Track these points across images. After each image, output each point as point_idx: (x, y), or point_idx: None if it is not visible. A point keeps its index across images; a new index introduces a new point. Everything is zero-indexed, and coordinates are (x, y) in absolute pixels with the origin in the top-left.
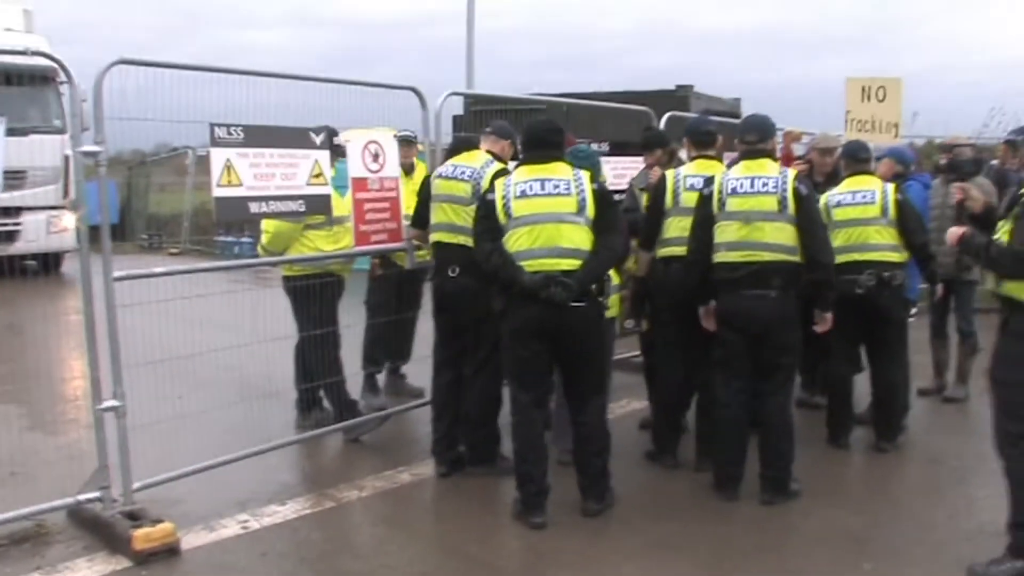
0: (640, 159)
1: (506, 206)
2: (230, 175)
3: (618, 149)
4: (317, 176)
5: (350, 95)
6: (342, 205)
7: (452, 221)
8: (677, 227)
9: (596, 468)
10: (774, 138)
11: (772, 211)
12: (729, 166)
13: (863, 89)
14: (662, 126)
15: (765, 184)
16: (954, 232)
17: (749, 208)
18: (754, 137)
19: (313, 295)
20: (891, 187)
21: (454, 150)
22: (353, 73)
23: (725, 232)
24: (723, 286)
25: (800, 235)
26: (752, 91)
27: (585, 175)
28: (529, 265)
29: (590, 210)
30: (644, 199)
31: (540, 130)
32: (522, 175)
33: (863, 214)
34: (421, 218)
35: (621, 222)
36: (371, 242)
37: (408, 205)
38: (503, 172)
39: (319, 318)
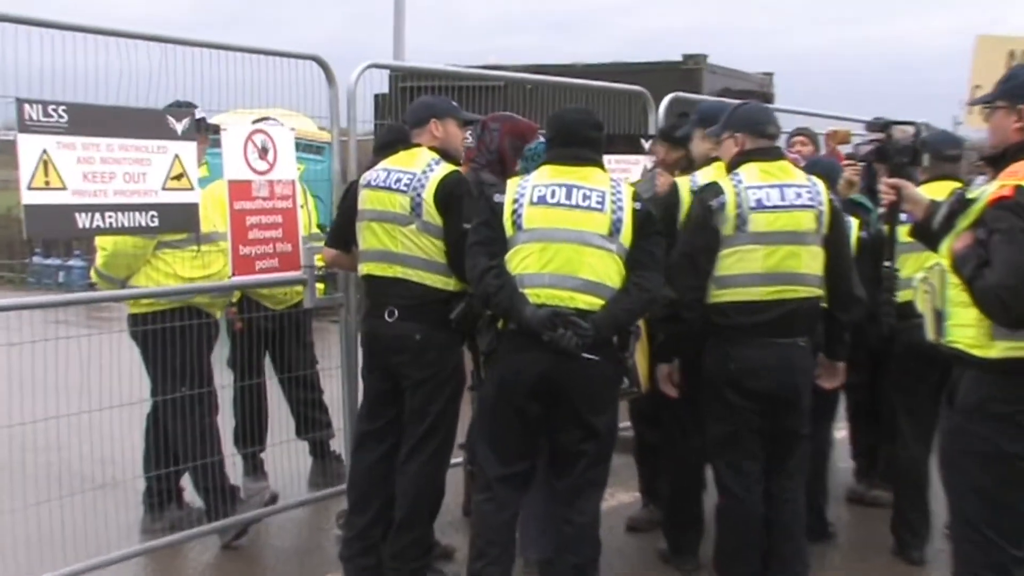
0: (632, 159)
1: (516, 213)
2: (47, 174)
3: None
4: (178, 177)
5: (230, 65)
6: (215, 217)
7: (387, 247)
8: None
9: None
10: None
11: (809, 231)
12: (731, 169)
13: (1010, 54)
14: (661, 113)
15: (799, 195)
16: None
17: (782, 227)
18: (774, 129)
19: (174, 341)
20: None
21: (385, 147)
22: (244, 37)
23: (746, 261)
24: (737, 335)
25: (831, 262)
26: (791, 63)
27: (627, 189)
28: (535, 295)
29: (626, 235)
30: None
31: (574, 121)
32: (544, 176)
33: None
34: (340, 238)
35: (662, 257)
36: (255, 270)
37: (305, 222)
38: (455, 176)
39: (183, 373)
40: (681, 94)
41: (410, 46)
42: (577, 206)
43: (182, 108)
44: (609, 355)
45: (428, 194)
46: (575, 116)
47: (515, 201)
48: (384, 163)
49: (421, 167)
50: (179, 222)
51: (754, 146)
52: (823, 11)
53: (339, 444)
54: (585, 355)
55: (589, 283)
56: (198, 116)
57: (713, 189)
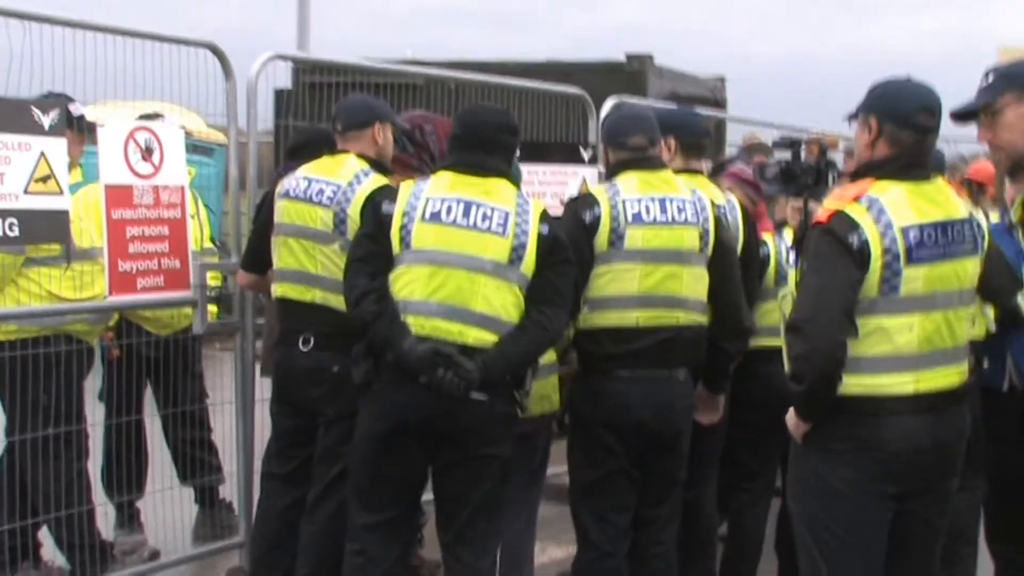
0: (570, 169)
1: (405, 229)
2: None
3: (535, 154)
4: (43, 180)
5: (110, 50)
6: (92, 229)
7: (304, 268)
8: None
9: None
10: (702, 146)
11: (693, 250)
12: (608, 178)
13: None
14: (601, 119)
15: (682, 209)
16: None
17: (662, 245)
18: (644, 140)
19: (40, 372)
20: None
21: (298, 151)
22: (129, 20)
23: (620, 281)
24: (609, 366)
25: (716, 286)
26: (749, 67)
27: (535, 208)
28: (419, 325)
29: (528, 264)
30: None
31: (486, 122)
32: (442, 187)
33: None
34: (257, 259)
35: (568, 291)
36: (137, 289)
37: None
38: (385, 190)
39: (47, 411)
40: (624, 98)
41: (329, 39)
42: (475, 227)
43: (52, 99)
44: (501, 393)
45: (354, 210)
46: (488, 116)
47: (405, 214)
48: (304, 170)
49: (348, 178)
50: (44, 233)
51: (616, 159)
52: (799, 16)
53: (230, 491)
54: (473, 395)
55: (482, 316)
56: (74, 111)
57: (587, 200)
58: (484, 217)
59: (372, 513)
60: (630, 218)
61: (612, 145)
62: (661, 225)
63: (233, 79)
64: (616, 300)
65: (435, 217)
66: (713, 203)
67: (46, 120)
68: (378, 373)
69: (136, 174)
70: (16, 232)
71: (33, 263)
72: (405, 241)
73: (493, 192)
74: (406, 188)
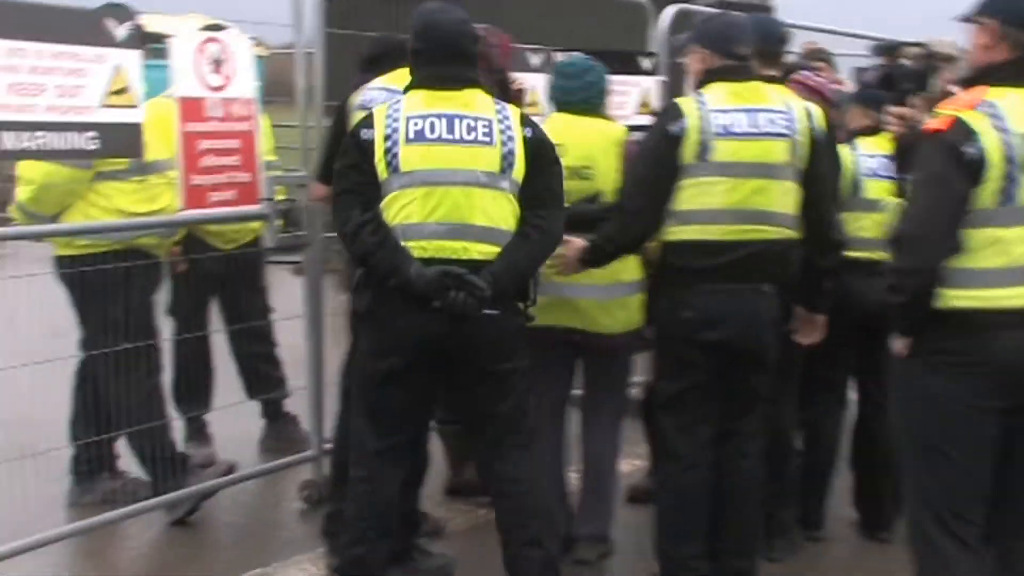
0: (631, 80)
1: (391, 152)
2: None
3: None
4: (119, 92)
5: None
6: (155, 143)
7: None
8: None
9: (533, 562)
10: (781, 54)
11: (783, 163)
12: (696, 88)
13: None
14: (665, 27)
15: (772, 121)
16: None
17: (750, 158)
18: (747, 49)
19: (111, 287)
20: None
21: (377, 61)
22: None
23: (707, 194)
24: (687, 278)
25: (808, 200)
26: None
27: (515, 113)
28: (421, 248)
29: (519, 169)
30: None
31: (450, 31)
32: (417, 105)
33: None
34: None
35: (563, 191)
36: (209, 203)
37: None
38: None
39: (122, 324)
40: (686, 6)
41: None
42: (462, 140)
43: (121, 9)
44: (511, 306)
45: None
46: (450, 23)
47: (387, 138)
48: (382, 80)
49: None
50: (122, 146)
51: (711, 67)
52: None
53: (298, 405)
54: (485, 311)
55: (483, 230)
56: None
57: (673, 112)
58: (469, 129)
59: (382, 439)
60: (718, 130)
61: (717, 51)
62: (750, 137)
63: None
64: (702, 214)
65: (420, 136)
66: (809, 113)
67: (119, 32)
68: (380, 301)
69: (208, 86)
70: (96, 146)
71: (101, 177)
72: (392, 165)
73: (471, 103)
74: (380, 111)
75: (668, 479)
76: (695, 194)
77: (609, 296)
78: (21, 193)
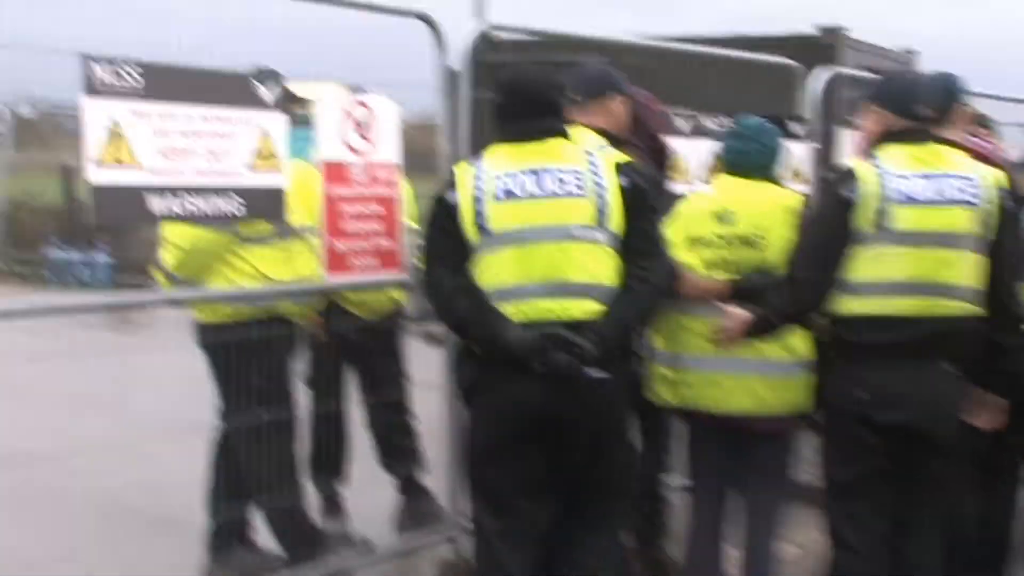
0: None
1: (479, 213)
2: (119, 148)
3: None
4: (266, 157)
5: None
6: (302, 207)
7: None
8: None
9: None
10: (956, 111)
11: (967, 233)
12: (873, 148)
13: None
14: (817, 90)
15: (961, 189)
16: None
17: (934, 227)
18: (926, 109)
19: (253, 355)
20: None
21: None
22: None
23: (885, 265)
24: (862, 354)
25: (994, 273)
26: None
27: (606, 161)
28: (518, 311)
29: (615, 220)
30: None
31: (526, 85)
32: (502, 162)
33: None
34: None
35: (662, 238)
36: (352, 269)
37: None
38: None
39: (263, 394)
40: (839, 69)
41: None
42: (552, 194)
43: (268, 73)
44: (619, 370)
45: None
46: (535, 75)
47: (474, 198)
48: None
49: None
50: (267, 210)
51: (888, 128)
52: None
53: (435, 479)
54: (592, 374)
55: (582, 286)
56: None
57: (846, 176)
58: (559, 182)
59: (497, 518)
60: (899, 196)
61: (898, 111)
62: (934, 205)
63: (444, 50)
64: (879, 286)
65: (509, 194)
66: (998, 180)
67: (267, 95)
68: (481, 373)
69: (352, 150)
70: (242, 211)
71: (245, 241)
72: (481, 227)
73: (557, 154)
74: (464, 172)
75: (838, 569)
76: (871, 264)
77: (781, 374)
78: (167, 257)
